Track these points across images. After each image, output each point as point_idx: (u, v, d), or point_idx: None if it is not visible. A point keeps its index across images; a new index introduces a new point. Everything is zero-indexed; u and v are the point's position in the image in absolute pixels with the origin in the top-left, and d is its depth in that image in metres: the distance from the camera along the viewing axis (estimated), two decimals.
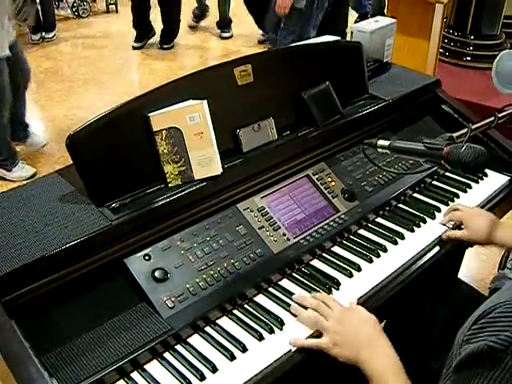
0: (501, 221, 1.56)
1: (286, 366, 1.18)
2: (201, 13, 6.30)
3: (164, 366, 1.17)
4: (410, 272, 1.45)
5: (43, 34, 5.96)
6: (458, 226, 1.58)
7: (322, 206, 1.57)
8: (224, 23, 6.09)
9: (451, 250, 1.55)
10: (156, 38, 5.90)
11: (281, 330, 1.25)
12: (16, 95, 3.60)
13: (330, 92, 1.70)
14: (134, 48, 5.83)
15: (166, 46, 5.84)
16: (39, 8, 5.79)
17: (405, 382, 1.09)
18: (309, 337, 1.23)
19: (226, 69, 1.50)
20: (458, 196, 1.73)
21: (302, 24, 3.79)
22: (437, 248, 1.53)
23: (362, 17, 6.04)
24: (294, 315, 1.29)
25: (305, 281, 1.39)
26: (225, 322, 1.28)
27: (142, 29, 5.80)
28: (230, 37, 6.10)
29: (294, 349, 1.20)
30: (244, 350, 1.20)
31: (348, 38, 2.76)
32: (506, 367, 0.80)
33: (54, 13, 6.15)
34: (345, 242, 1.53)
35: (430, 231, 1.58)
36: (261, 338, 1.23)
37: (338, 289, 1.37)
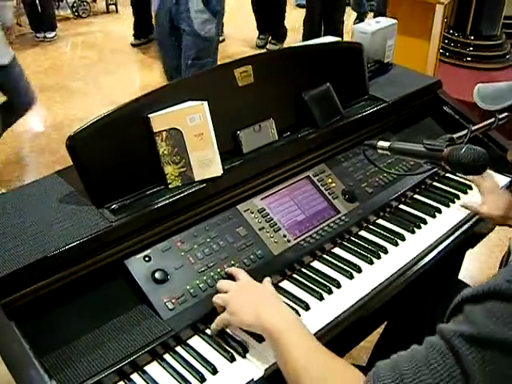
0: None
1: None
2: None
3: (164, 368, 1.17)
4: (411, 273, 1.45)
5: (45, 33, 5.97)
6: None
7: (323, 207, 1.57)
8: None
9: (452, 251, 1.55)
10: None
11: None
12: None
13: (331, 93, 1.70)
14: (133, 45, 5.81)
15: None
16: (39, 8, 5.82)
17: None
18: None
19: (227, 70, 1.50)
20: (458, 197, 1.73)
21: None
22: (437, 249, 1.52)
23: (360, 16, 6.07)
24: None
25: (305, 282, 1.39)
26: None
27: (142, 27, 5.78)
28: (223, 40, 6.08)
29: None
30: (244, 351, 1.20)
31: (348, 39, 2.76)
32: None
33: (53, 12, 6.15)
34: (345, 243, 1.53)
35: (431, 232, 1.57)
36: (261, 339, 1.22)
37: (338, 290, 1.37)
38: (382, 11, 5.50)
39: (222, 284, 1.27)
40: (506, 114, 1.46)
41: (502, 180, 1.80)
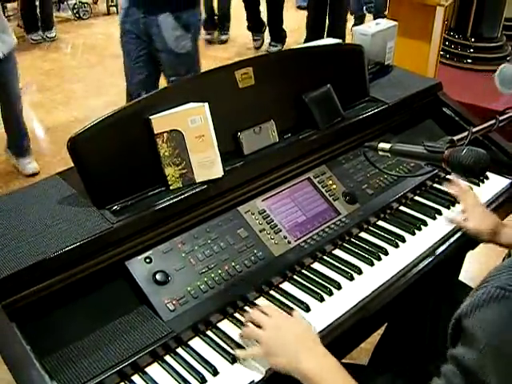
0: (504, 222, 1.56)
1: None
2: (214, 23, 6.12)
3: (165, 369, 1.18)
4: (411, 275, 1.45)
5: (45, 33, 5.98)
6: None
7: (323, 208, 1.57)
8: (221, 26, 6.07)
9: (452, 252, 1.55)
10: None
11: None
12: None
13: (331, 95, 1.70)
14: None
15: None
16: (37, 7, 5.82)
17: (348, 381, 1.05)
18: None
19: (228, 71, 1.50)
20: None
21: None
22: (437, 251, 1.52)
23: (359, 19, 6.08)
24: None
25: (306, 283, 1.39)
26: (226, 324, 1.28)
27: None
28: (226, 41, 6.07)
29: None
30: None
31: (349, 41, 2.76)
32: None
33: (51, 12, 6.15)
34: (346, 244, 1.53)
35: (431, 234, 1.57)
36: None
37: (339, 292, 1.37)
38: (381, 13, 5.52)
39: (258, 316, 1.20)
40: (506, 115, 1.46)
41: (502, 182, 1.80)
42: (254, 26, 5.81)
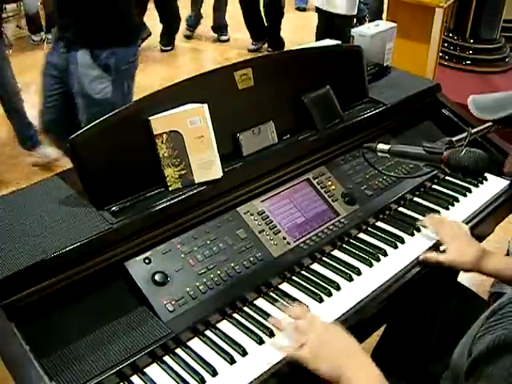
0: (488, 250, 1.47)
1: (286, 370, 1.18)
2: (197, 21, 6.20)
3: (164, 370, 1.17)
4: (410, 276, 1.45)
5: (47, 35, 5.97)
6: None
7: (322, 209, 1.57)
8: (220, 27, 6.09)
9: None
10: (152, 40, 5.87)
11: (281, 333, 1.25)
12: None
13: (331, 96, 1.70)
14: None
15: (166, 48, 5.81)
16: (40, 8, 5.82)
17: None
18: None
19: (227, 72, 1.50)
20: (457, 200, 1.73)
21: None
22: (436, 252, 1.52)
23: (359, 20, 6.06)
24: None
25: (305, 284, 1.39)
26: (225, 325, 1.29)
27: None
28: (228, 40, 6.10)
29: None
30: (244, 353, 1.20)
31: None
32: None
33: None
34: (345, 245, 1.54)
35: (431, 235, 1.57)
36: (261, 341, 1.23)
37: (338, 292, 1.37)
38: (376, 16, 5.52)
39: (302, 327, 1.18)
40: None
41: (501, 183, 1.81)
42: (255, 33, 5.79)
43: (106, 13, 2.38)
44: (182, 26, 6.07)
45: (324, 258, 1.49)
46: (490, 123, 1.57)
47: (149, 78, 5.29)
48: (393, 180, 1.72)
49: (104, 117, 1.31)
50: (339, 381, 1.08)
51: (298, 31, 5.48)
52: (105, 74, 2.42)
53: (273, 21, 5.56)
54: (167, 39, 5.84)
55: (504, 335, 0.81)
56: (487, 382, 0.82)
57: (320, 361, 1.12)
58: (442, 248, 1.50)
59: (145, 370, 1.17)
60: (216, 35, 6.10)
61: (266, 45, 5.82)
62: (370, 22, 5.80)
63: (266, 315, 1.30)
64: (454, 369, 1.05)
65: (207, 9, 6.14)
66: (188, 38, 6.21)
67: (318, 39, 4.25)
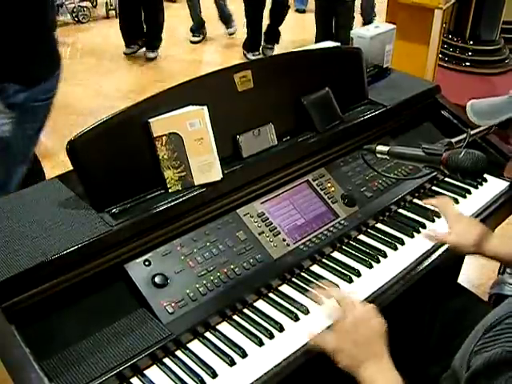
0: (491, 232, 1.48)
1: (286, 372, 1.18)
2: (200, 26, 6.18)
3: (164, 372, 1.17)
4: (410, 277, 1.45)
5: None
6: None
7: (322, 211, 1.57)
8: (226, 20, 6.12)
9: (451, 255, 1.55)
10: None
11: (281, 335, 1.25)
12: None
13: (330, 97, 1.70)
14: (126, 54, 5.72)
15: (151, 55, 5.69)
16: None
17: None
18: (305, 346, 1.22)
19: (226, 75, 1.50)
20: (457, 201, 1.73)
21: None
22: (436, 253, 1.52)
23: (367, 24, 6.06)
24: (295, 320, 1.29)
25: (305, 286, 1.39)
26: (225, 327, 1.29)
27: (131, 34, 5.67)
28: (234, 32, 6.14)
29: (290, 356, 1.20)
30: (244, 355, 1.20)
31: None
32: None
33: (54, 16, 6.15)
34: (344, 247, 1.54)
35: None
36: (261, 343, 1.23)
37: None
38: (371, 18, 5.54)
39: (346, 305, 1.19)
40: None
41: (501, 184, 1.81)
42: (252, 44, 5.74)
43: (18, 45, 2.05)
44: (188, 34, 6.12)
45: (324, 260, 1.49)
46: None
47: (150, 80, 5.31)
48: (392, 181, 1.73)
49: (104, 119, 1.31)
50: (356, 375, 1.10)
51: (297, 33, 5.47)
52: (7, 110, 2.08)
53: (275, 19, 5.57)
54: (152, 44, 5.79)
55: (499, 354, 0.83)
56: None
57: (342, 353, 1.12)
58: (446, 229, 1.49)
59: (145, 371, 1.17)
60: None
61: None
62: (363, 18, 5.83)
63: (266, 317, 1.30)
64: (454, 375, 1.06)
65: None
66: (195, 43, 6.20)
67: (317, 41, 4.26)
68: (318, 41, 5.00)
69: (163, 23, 5.66)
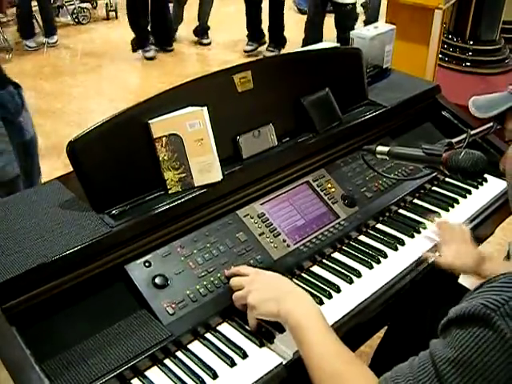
0: (489, 255, 1.48)
1: (286, 373, 1.18)
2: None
3: (164, 373, 1.18)
4: (411, 278, 1.45)
5: (46, 39, 5.98)
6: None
7: (322, 212, 1.57)
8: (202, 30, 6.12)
9: None
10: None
11: (281, 335, 1.25)
12: None
13: (330, 98, 1.70)
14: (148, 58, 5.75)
15: (168, 48, 5.83)
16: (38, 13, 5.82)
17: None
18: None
19: (226, 75, 1.50)
20: (457, 201, 1.73)
21: None
22: (437, 253, 1.52)
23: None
24: None
25: (305, 287, 1.39)
26: (225, 328, 1.28)
27: (141, 34, 5.71)
28: (209, 43, 6.12)
29: (291, 357, 1.20)
30: (244, 356, 1.20)
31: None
32: (493, 327, 0.82)
33: (53, 17, 6.16)
34: (345, 248, 1.54)
35: (431, 237, 1.57)
36: (261, 344, 1.23)
37: (338, 295, 1.37)
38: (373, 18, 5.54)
39: (234, 282, 1.28)
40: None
41: (501, 185, 1.80)
42: (252, 34, 5.80)
43: None
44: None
45: (324, 261, 1.49)
46: (489, 125, 1.58)
47: (150, 81, 5.31)
48: (392, 182, 1.73)
49: (104, 120, 1.31)
50: (284, 321, 1.16)
51: (299, 32, 5.46)
52: None
53: (275, 19, 5.57)
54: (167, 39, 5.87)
55: (480, 306, 0.85)
56: (452, 341, 0.88)
57: (265, 302, 1.18)
58: (437, 253, 1.50)
59: (145, 372, 1.17)
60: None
61: (262, 47, 5.83)
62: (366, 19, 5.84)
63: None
64: None
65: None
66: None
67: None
68: (304, 44, 5.03)
69: (172, 25, 5.74)
